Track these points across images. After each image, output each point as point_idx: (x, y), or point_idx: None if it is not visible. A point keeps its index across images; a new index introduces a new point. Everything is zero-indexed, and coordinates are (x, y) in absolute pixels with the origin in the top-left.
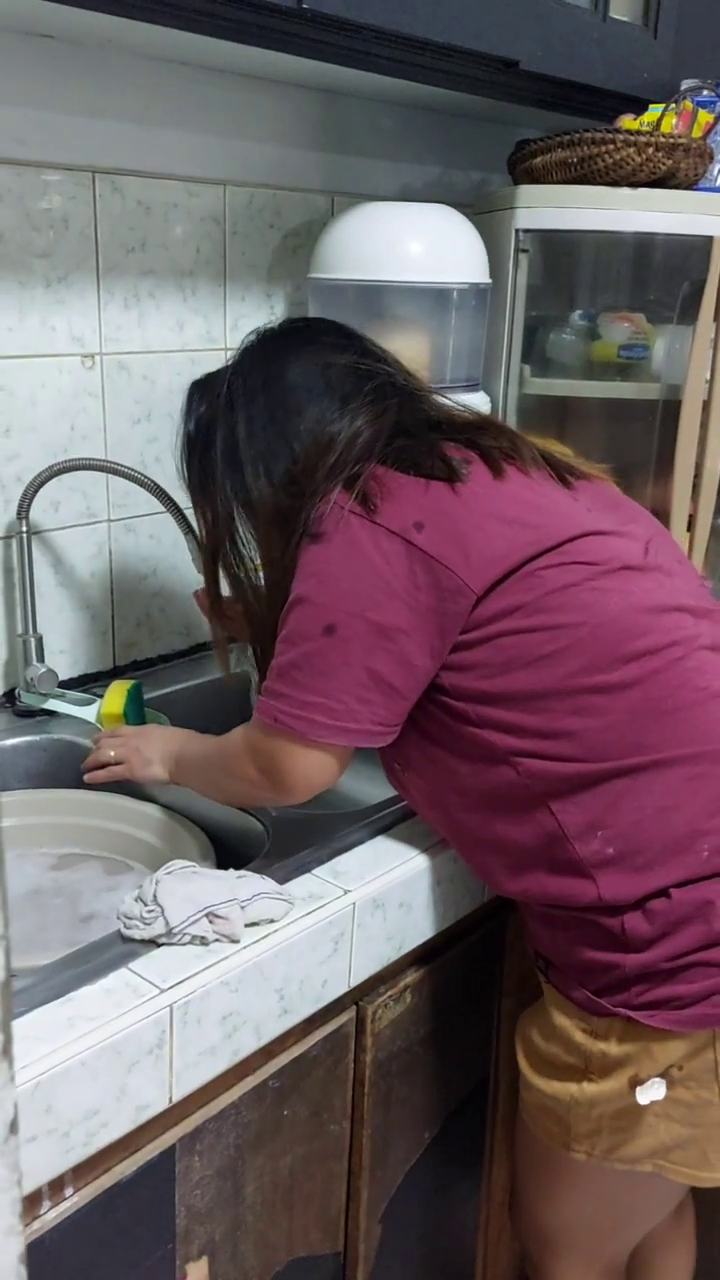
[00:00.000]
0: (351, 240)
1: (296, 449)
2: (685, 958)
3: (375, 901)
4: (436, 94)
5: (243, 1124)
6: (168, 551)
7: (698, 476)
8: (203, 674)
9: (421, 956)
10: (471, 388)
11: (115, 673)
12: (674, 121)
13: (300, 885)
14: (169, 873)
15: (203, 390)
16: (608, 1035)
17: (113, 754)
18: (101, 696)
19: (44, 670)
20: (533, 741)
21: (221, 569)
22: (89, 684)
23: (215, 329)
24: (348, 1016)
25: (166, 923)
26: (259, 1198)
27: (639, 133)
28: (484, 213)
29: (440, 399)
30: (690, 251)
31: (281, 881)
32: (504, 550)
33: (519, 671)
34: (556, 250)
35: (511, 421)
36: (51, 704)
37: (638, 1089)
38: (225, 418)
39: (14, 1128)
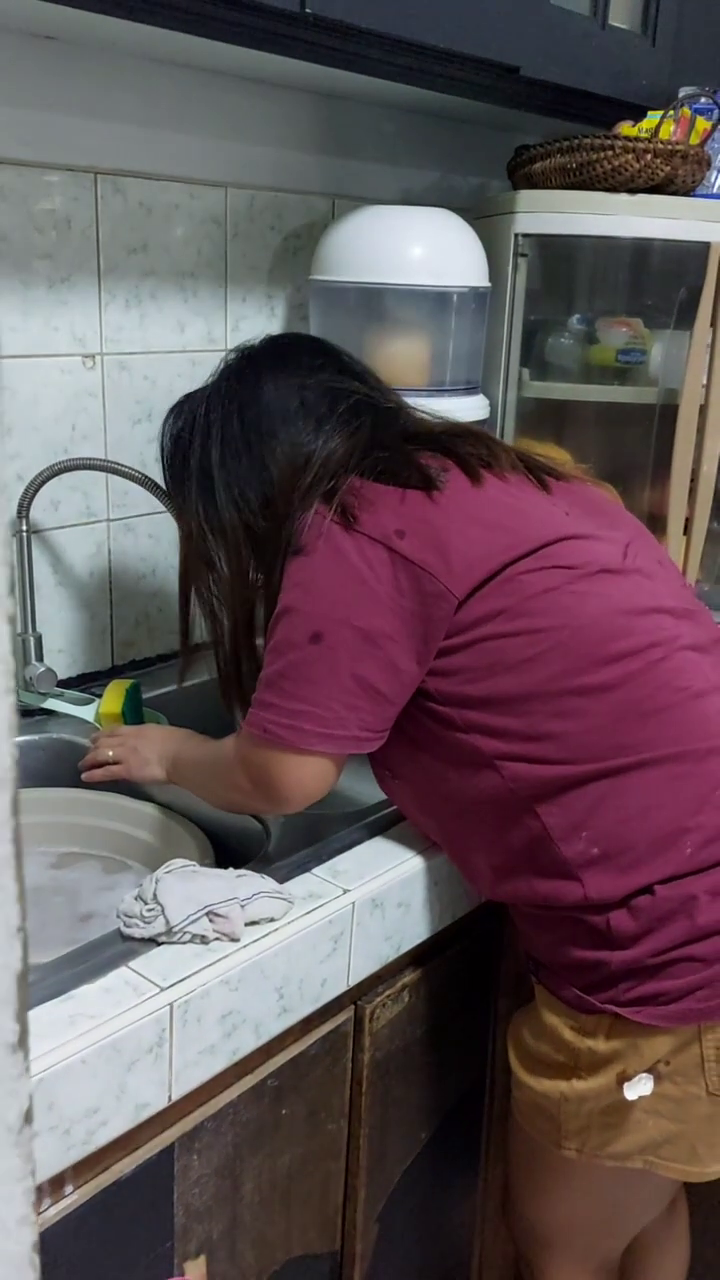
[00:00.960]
0: (352, 243)
1: (272, 472)
2: (670, 953)
3: (374, 901)
4: (437, 99)
5: (241, 1123)
6: (166, 551)
7: (694, 480)
8: (201, 674)
9: (419, 956)
10: (470, 391)
11: (113, 672)
12: (672, 128)
13: (299, 884)
14: (169, 871)
15: (179, 412)
16: (595, 1032)
17: (110, 753)
18: (100, 696)
19: (43, 669)
20: (517, 745)
21: (194, 587)
22: (87, 683)
23: (216, 330)
24: (346, 1016)
25: (167, 921)
26: (257, 1196)
27: (637, 139)
28: (483, 217)
29: (417, 412)
30: (687, 257)
31: (281, 881)
32: (482, 554)
33: (502, 675)
34: (555, 255)
35: (510, 425)
36: (50, 703)
37: (625, 1084)
38: (200, 442)
39: (28, 1118)
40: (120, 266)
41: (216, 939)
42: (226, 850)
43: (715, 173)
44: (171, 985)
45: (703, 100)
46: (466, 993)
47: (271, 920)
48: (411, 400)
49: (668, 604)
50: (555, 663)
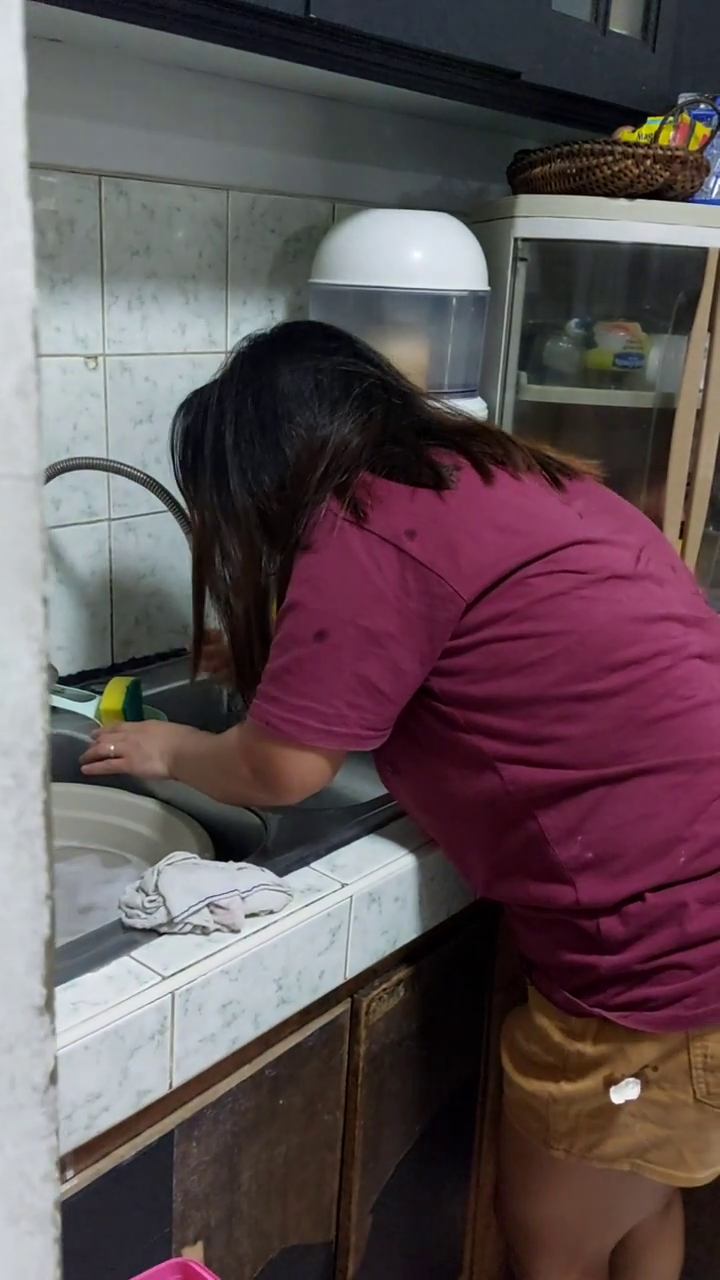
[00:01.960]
0: (352, 246)
1: (288, 455)
2: (659, 960)
3: (371, 895)
4: (438, 103)
5: (239, 1111)
6: (167, 551)
7: (690, 484)
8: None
9: (415, 951)
10: (469, 394)
11: (114, 670)
12: (671, 134)
13: (299, 878)
14: (171, 864)
15: (193, 400)
16: (584, 1035)
17: (112, 748)
18: (100, 693)
19: None
20: (518, 747)
21: (207, 578)
22: (88, 681)
23: (217, 332)
24: (343, 1008)
25: (168, 912)
26: (254, 1185)
27: (637, 145)
28: (483, 221)
29: (431, 402)
30: (685, 262)
31: (280, 874)
32: (494, 558)
33: (506, 678)
34: (554, 259)
35: (508, 428)
36: (51, 700)
37: (612, 1089)
38: (214, 426)
39: (53, 1078)
40: (123, 268)
41: (217, 930)
42: (226, 845)
43: (714, 178)
44: (173, 974)
45: (702, 106)
46: (461, 988)
47: (271, 912)
48: None
49: (678, 611)
50: (560, 667)
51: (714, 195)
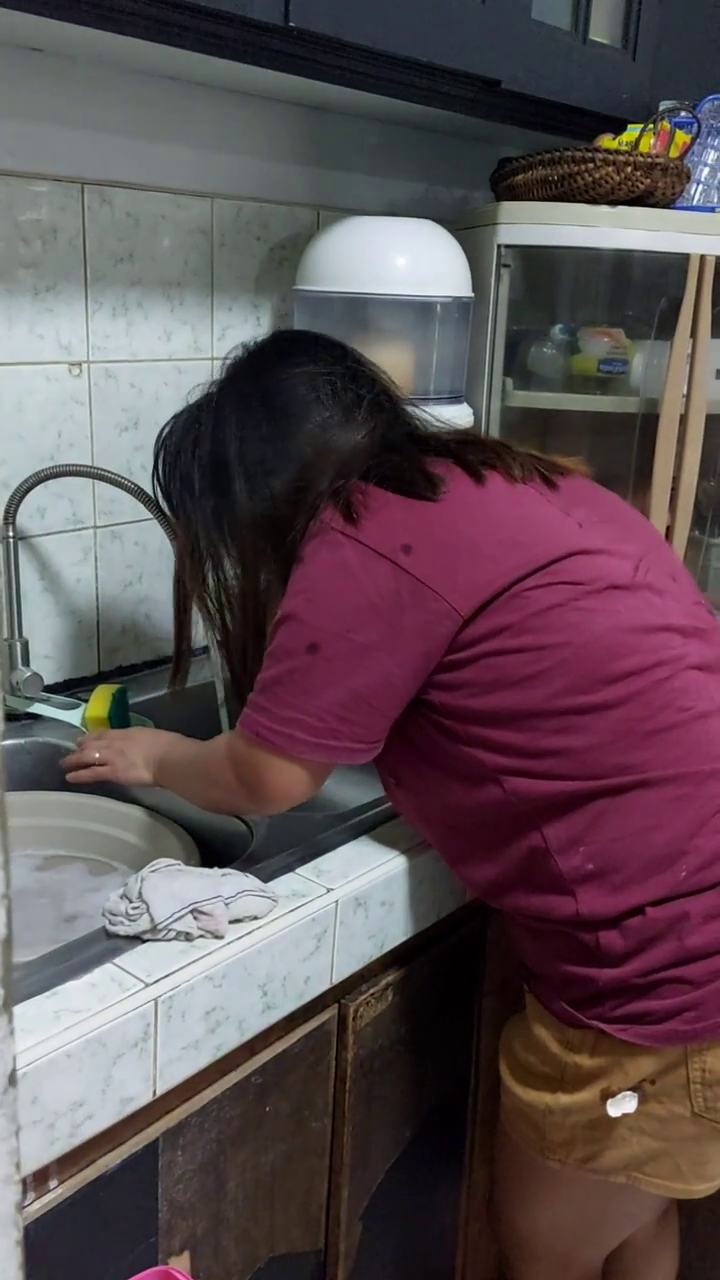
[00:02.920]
0: (337, 253)
1: (303, 457)
2: (657, 974)
3: (357, 900)
4: (421, 111)
5: (225, 1119)
6: (153, 558)
7: (675, 488)
8: (187, 680)
9: (403, 955)
10: (455, 400)
11: (100, 678)
12: (652, 141)
13: (283, 884)
14: (154, 870)
15: (176, 420)
16: (581, 1047)
17: (97, 755)
18: (86, 701)
19: (29, 674)
20: (519, 760)
21: (196, 588)
22: (74, 689)
23: (202, 339)
24: (330, 1014)
25: (152, 919)
26: (241, 1193)
27: (618, 152)
28: (467, 228)
29: (421, 412)
30: (667, 269)
31: (265, 880)
32: (492, 574)
33: (505, 691)
34: (537, 266)
35: (494, 434)
36: (37, 708)
37: (609, 1101)
38: (214, 433)
39: (13, 1080)
40: (107, 276)
41: (201, 936)
42: (211, 852)
43: (695, 185)
44: (156, 981)
45: (682, 114)
46: (450, 992)
47: (255, 918)
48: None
49: (676, 621)
50: (558, 680)
51: (695, 202)
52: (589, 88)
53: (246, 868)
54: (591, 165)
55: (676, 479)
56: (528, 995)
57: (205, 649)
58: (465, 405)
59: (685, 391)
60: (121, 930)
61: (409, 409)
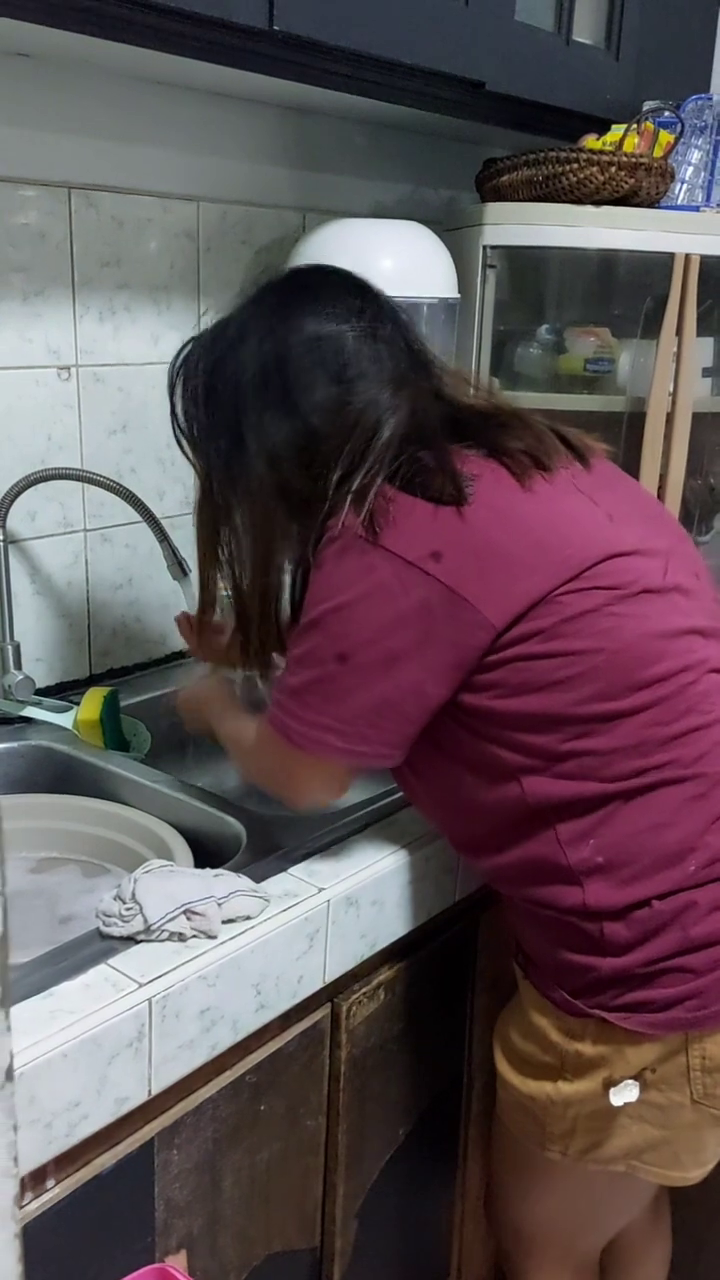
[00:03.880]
0: (323, 255)
1: (313, 424)
2: (660, 963)
3: (349, 899)
4: (406, 113)
5: (220, 1118)
6: (143, 561)
7: (662, 486)
8: (178, 682)
9: (395, 954)
10: None
11: (91, 681)
12: (636, 141)
13: (276, 883)
14: (147, 871)
15: (204, 340)
16: (583, 1036)
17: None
18: (78, 703)
19: (21, 677)
20: (540, 761)
21: (207, 548)
22: (66, 692)
23: None
24: (323, 1013)
25: (145, 920)
26: (236, 1192)
27: (602, 152)
28: (453, 229)
29: (453, 379)
30: (653, 267)
31: (257, 880)
32: (527, 585)
33: (533, 694)
34: (523, 266)
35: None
36: (29, 711)
37: (611, 1090)
38: (231, 378)
39: (10, 1074)
40: (94, 280)
41: (194, 936)
42: (204, 853)
43: (679, 184)
44: (150, 981)
45: (666, 114)
46: (443, 990)
47: (248, 918)
48: None
49: (700, 624)
50: (587, 686)
51: (679, 201)
52: (573, 88)
53: (239, 867)
54: (576, 166)
55: (664, 477)
56: (524, 982)
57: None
58: None
59: (671, 390)
60: (115, 931)
61: (444, 379)
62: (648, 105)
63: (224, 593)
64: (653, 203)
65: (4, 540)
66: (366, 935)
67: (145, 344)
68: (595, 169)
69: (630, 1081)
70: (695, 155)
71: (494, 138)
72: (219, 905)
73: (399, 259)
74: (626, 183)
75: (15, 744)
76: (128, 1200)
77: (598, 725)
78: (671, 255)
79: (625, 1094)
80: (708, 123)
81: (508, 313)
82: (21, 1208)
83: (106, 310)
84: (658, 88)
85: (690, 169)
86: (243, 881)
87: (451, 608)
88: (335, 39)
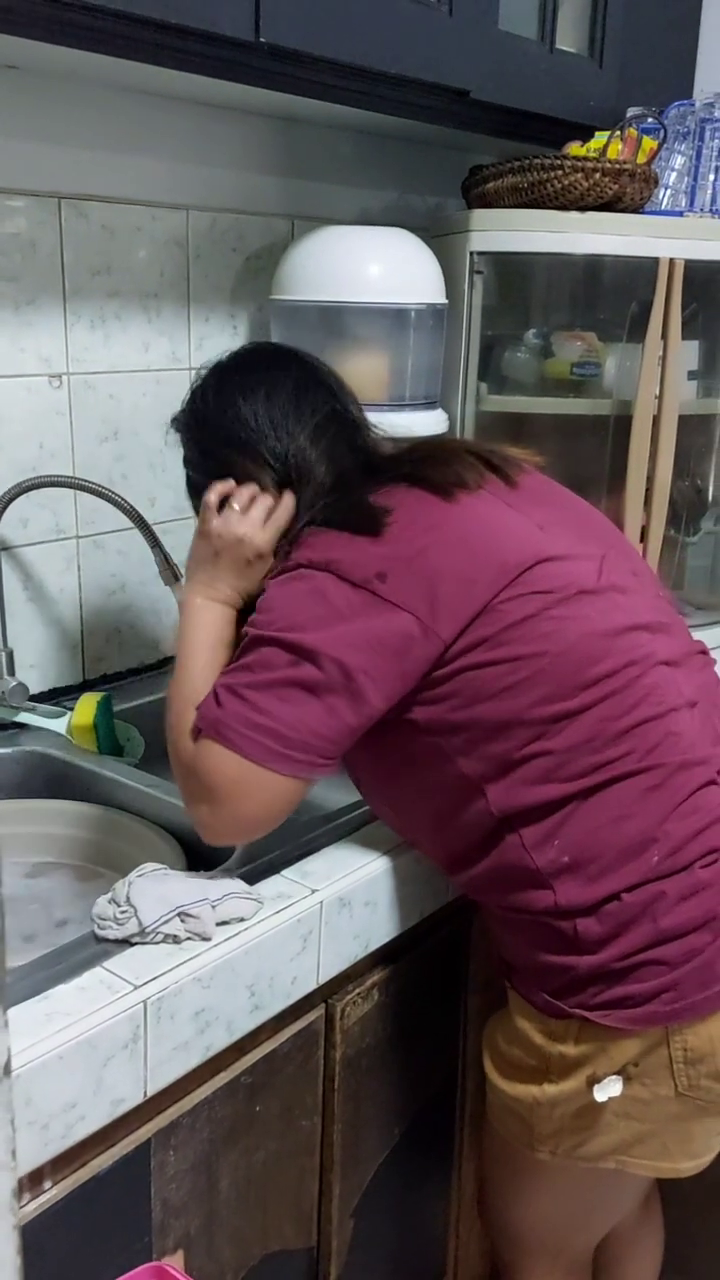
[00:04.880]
0: (312, 263)
1: (240, 467)
2: (635, 957)
3: (342, 900)
4: (394, 121)
5: (216, 1119)
6: (135, 567)
7: (649, 488)
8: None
9: (388, 955)
10: (430, 406)
11: (85, 686)
12: (619, 148)
13: (269, 885)
14: (141, 874)
15: (180, 417)
16: (565, 1037)
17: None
18: (72, 709)
19: (15, 684)
20: (499, 768)
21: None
22: (60, 697)
23: (180, 349)
24: (317, 1014)
25: (139, 922)
26: (233, 1192)
27: (586, 158)
28: (440, 236)
29: (375, 431)
30: (638, 272)
31: (251, 882)
32: (468, 596)
33: (485, 703)
34: (510, 271)
35: (470, 438)
36: (23, 717)
37: (595, 1087)
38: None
39: (7, 1069)
40: (85, 288)
41: (188, 939)
42: (197, 856)
43: (662, 190)
44: (145, 983)
45: (649, 120)
46: (436, 990)
47: (242, 920)
48: (373, 416)
49: (644, 619)
50: (536, 689)
51: (663, 206)
52: (557, 96)
53: (232, 871)
54: (560, 172)
55: (651, 479)
56: (509, 990)
57: None
58: (440, 411)
59: (658, 393)
60: (110, 934)
61: (369, 430)
62: (631, 112)
63: None
64: (637, 208)
65: None
66: (360, 936)
67: (136, 351)
68: (580, 175)
69: (613, 1077)
70: (678, 161)
71: (479, 145)
72: (213, 908)
73: (386, 265)
74: (611, 188)
75: (9, 750)
76: (125, 1201)
77: (551, 727)
78: (656, 260)
79: (609, 1089)
80: (690, 128)
81: (495, 318)
82: (19, 1209)
83: (97, 318)
84: (641, 94)
85: (673, 174)
86: (236, 884)
87: (398, 623)
88: (321, 50)
